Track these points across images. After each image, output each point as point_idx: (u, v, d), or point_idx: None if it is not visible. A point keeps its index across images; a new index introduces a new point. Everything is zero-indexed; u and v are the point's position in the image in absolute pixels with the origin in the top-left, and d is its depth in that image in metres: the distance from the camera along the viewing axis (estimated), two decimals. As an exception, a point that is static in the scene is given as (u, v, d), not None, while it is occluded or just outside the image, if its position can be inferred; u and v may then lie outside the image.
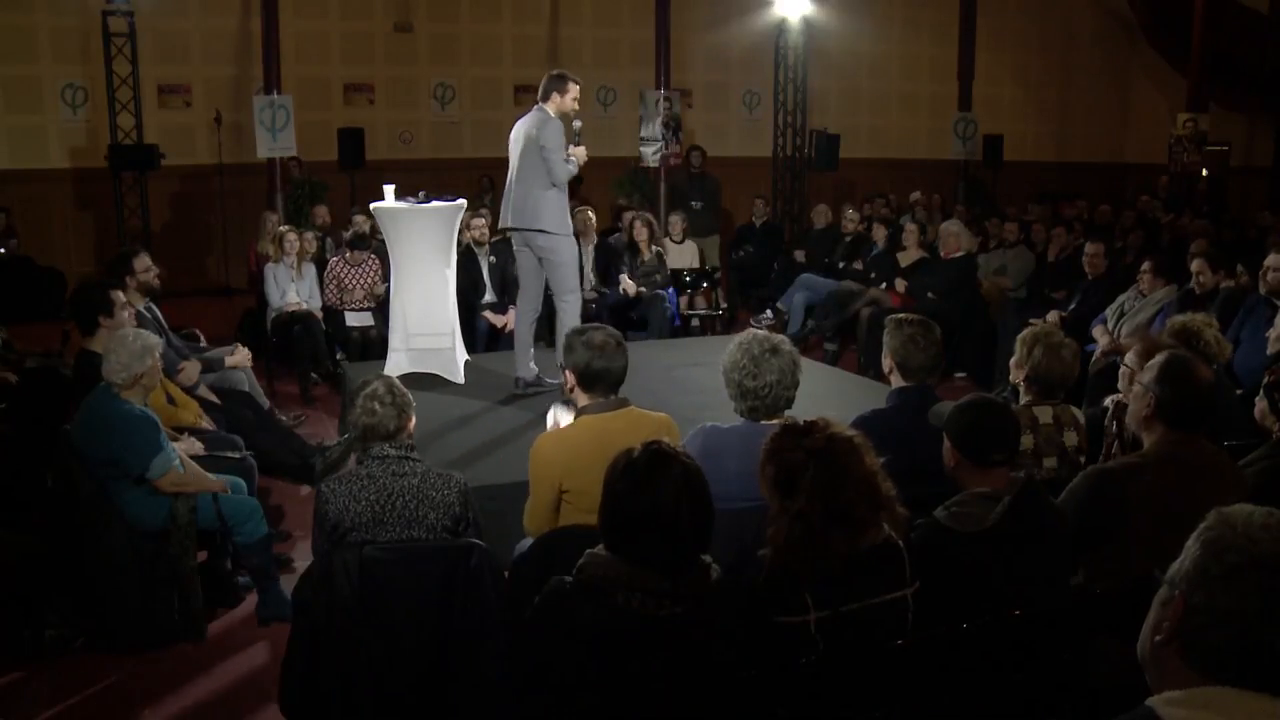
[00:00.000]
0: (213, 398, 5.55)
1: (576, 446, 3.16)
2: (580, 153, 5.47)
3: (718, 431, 3.26)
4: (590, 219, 8.63)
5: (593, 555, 2.15)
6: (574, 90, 5.45)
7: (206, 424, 5.07)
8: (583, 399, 3.31)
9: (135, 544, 4.05)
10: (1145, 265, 6.60)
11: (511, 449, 4.79)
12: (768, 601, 2.27)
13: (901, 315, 3.71)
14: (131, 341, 4.08)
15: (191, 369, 5.49)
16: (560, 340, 5.48)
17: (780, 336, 3.31)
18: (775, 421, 3.19)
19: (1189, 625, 1.34)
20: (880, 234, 9.37)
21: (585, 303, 8.20)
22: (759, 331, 3.34)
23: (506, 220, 5.58)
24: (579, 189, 11.69)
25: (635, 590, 2.05)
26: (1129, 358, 3.77)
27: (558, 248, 5.49)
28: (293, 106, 10.89)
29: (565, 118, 5.49)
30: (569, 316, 5.54)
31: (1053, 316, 7.08)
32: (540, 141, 5.34)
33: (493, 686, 2.96)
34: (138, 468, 3.99)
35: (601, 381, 3.27)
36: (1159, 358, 2.97)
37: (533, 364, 5.79)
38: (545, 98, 5.46)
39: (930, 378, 3.63)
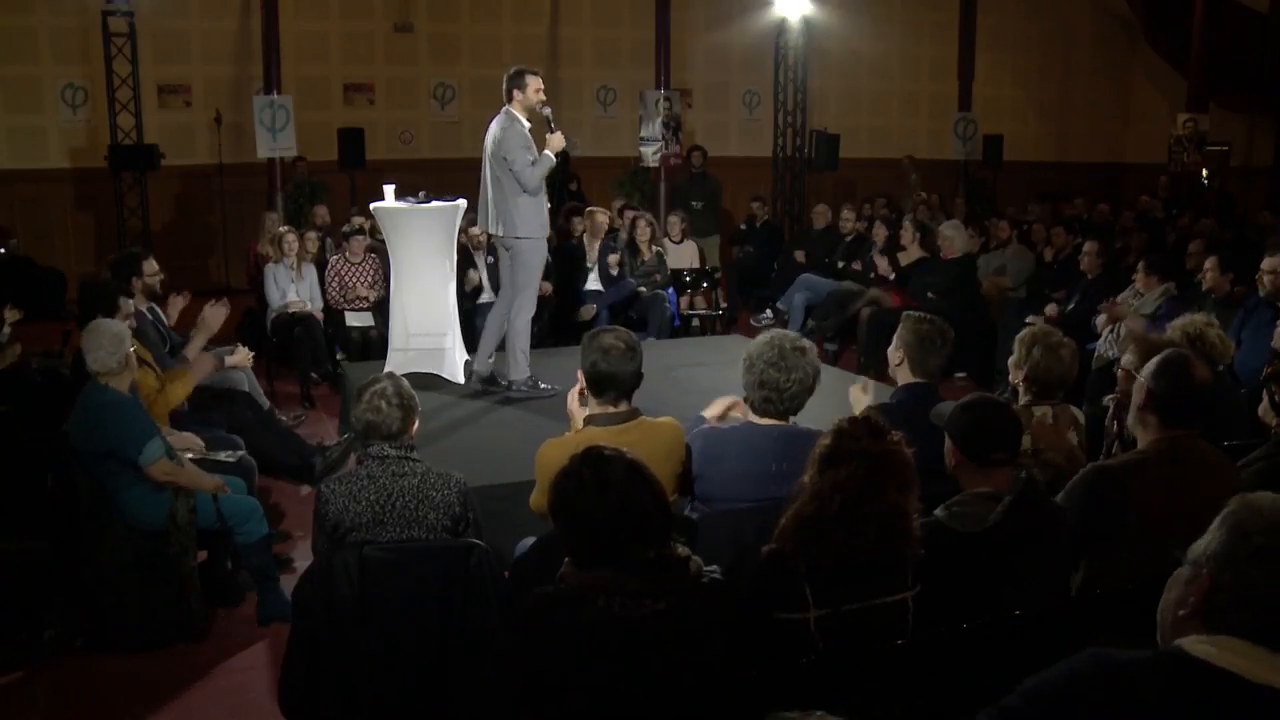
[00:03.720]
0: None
1: None
2: (555, 140, 5.46)
3: (717, 432, 3.26)
4: (601, 221, 8.64)
5: (570, 564, 2.14)
6: (534, 83, 5.47)
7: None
8: (593, 405, 3.26)
9: (135, 544, 4.05)
10: (1140, 265, 6.66)
11: (511, 449, 4.78)
12: (768, 596, 2.27)
13: (919, 314, 3.71)
14: (110, 327, 4.14)
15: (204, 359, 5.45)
16: (511, 339, 5.65)
17: (809, 341, 3.30)
18: (775, 423, 3.20)
19: (1214, 602, 1.42)
20: (880, 233, 9.37)
21: (585, 303, 8.27)
22: (790, 331, 3.34)
23: (484, 224, 5.71)
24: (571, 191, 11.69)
25: (615, 594, 2.05)
26: (1126, 358, 3.78)
27: (525, 248, 5.56)
28: (293, 106, 10.90)
29: (533, 111, 5.50)
30: (521, 311, 5.62)
31: (1051, 309, 7.12)
32: (504, 154, 5.40)
33: (492, 686, 2.96)
34: (133, 453, 4.00)
35: (610, 387, 3.20)
36: (1161, 354, 2.98)
37: (525, 366, 5.75)
38: (509, 98, 5.50)
39: (937, 378, 3.65)
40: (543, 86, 5.50)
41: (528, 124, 5.48)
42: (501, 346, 5.80)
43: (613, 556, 2.07)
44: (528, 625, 2.13)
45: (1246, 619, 1.39)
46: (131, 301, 5.21)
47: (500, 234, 5.60)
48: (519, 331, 5.66)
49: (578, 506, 2.11)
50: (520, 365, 5.69)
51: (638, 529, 2.07)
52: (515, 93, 5.46)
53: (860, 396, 3.78)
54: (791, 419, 3.23)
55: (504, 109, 5.52)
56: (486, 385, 5.79)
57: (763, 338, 3.23)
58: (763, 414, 3.19)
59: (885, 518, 2.26)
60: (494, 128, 5.53)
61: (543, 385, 5.71)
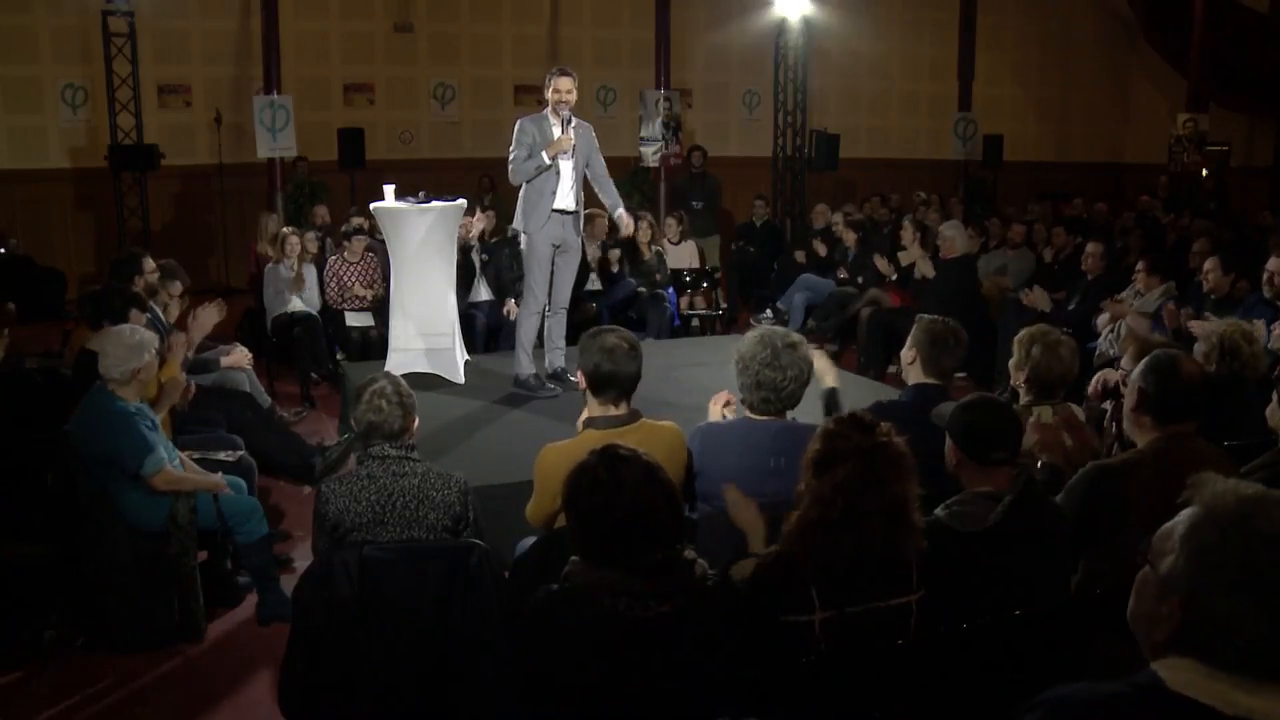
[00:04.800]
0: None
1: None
2: (556, 143, 5.47)
3: (715, 430, 3.27)
4: (601, 223, 8.64)
5: (576, 562, 2.14)
6: (555, 83, 5.51)
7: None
8: (594, 406, 3.27)
9: (135, 544, 4.05)
10: (1140, 264, 6.66)
11: (511, 449, 4.78)
12: (774, 599, 2.27)
13: (934, 316, 3.72)
14: (128, 337, 4.10)
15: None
16: (516, 335, 5.77)
17: (798, 335, 3.32)
18: (772, 418, 3.20)
19: (1188, 632, 1.36)
20: (850, 238, 9.36)
21: (585, 304, 8.26)
22: (778, 327, 3.35)
23: None
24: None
25: (620, 594, 2.05)
26: (1126, 360, 3.78)
27: (524, 243, 5.70)
28: (293, 106, 10.90)
29: (556, 111, 5.54)
30: (522, 307, 5.78)
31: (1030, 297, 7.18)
32: None
33: (492, 687, 2.96)
34: (133, 465, 4.00)
35: (610, 387, 3.21)
36: (1146, 357, 3.00)
37: (526, 363, 5.80)
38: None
39: (949, 378, 3.66)
40: (566, 89, 5.51)
41: (558, 123, 5.54)
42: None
43: (621, 556, 2.07)
44: (532, 621, 2.13)
45: (1223, 648, 1.33)
46: (146, 316, 5.20)
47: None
48: (517, 326, 5.79)
49: (590, 504, 2.11)
50: (522, 363, 5.73)
51: (648, 531, 2.07)
52: (547, 90, 5.58)
53: (821, 364, 3.80)
54: (789, 414, 3.24)
55: None
56: (556, 382, 5.81)
57: (752, 337, 3.24)
58: (762, 412, 3.20)
59: (888, 511, 2.25)
60: None
61: (549, 385, 5.73)
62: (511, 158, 5.54)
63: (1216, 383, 3.73)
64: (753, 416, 3.23)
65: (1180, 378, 2.87)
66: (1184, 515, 1.41)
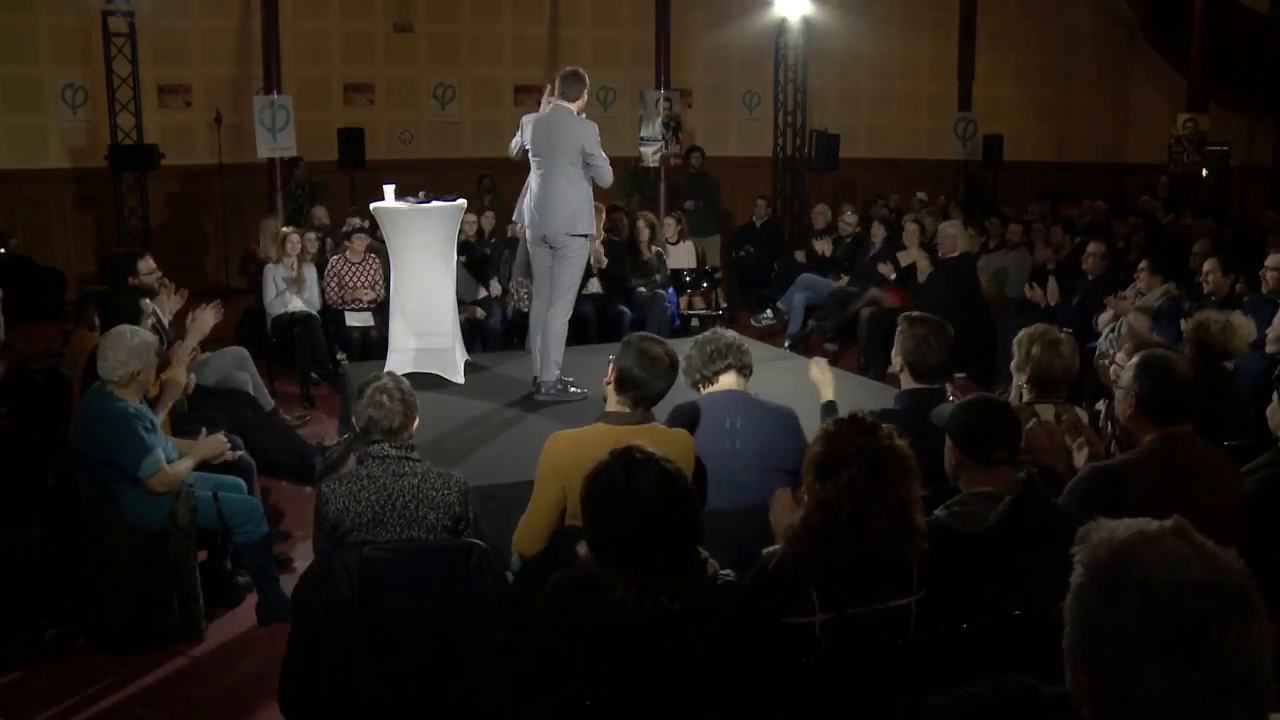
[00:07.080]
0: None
1: (590, 451, 3.10)
2: None
3: (677, 411, 3.49)
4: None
5: (590, 556, 2.16)
6: (588, 86, 5.54)
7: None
8: (612, 400, 3.32)
9: (135, 544, 4.05)
10: (1142, 264, 6.66)
11: (511, 449, 4.79)
12: (774, 600, 2.27)
13: (914, 314, 3.71)
14: (129, 339, 4.08)
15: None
16: (546, 341, 5.57)
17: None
18: (727, 389, 3.52)
19: (1107, 707, 1.28)
20: (879, 234, 9.34)
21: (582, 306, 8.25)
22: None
23: (531, 220, 5.54)
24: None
25: (633, 588, 2.06)
26: (1120, 357, 3.78)
27: (576, 248, 5.53)
28: (293, 106, 10.90)
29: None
30: (559, 314, 5.56)
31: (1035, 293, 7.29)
32: (586, 149, 5.39)
33: (493, 686, 2.96)
34: (130, 467, 3.99)
35: (634, 391, 3.28)
36: (1135, 357, 3.00)
37: (555, 369, 5.67)
38: (572, 98, 5.44)
39: (940, 379, 3.66)
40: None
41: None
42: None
43: (635, 559, 2.08)
44: (545, 607, 2.13)
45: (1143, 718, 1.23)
46: (154, 308, 5.18)
47: (555, 231, 5.46)
48: (555, 334, 5.57)
49: (605, 506, 2.13)
50: (551, 369, 5.59)
51: (661, 538, 2.08)
52: (585, 94, 5.48)
53: (819, 375, 3.97)
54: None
55: (564, 107, 5.45)
56: (560, 391, 5.63)
57: (685, 355, 3.57)
58: (739, 377, 3.54)
59: (893, 513, 2.25)
60: (563, 124, 5.42)
61: (573, 390, 5.60)
62: (603, 160, 5.44)
63: (1197, 364, 3.76)
64: (713, 390, 3.52)
65: (1174, 378, 2.88)
66: (1073, 579, 1.33)
